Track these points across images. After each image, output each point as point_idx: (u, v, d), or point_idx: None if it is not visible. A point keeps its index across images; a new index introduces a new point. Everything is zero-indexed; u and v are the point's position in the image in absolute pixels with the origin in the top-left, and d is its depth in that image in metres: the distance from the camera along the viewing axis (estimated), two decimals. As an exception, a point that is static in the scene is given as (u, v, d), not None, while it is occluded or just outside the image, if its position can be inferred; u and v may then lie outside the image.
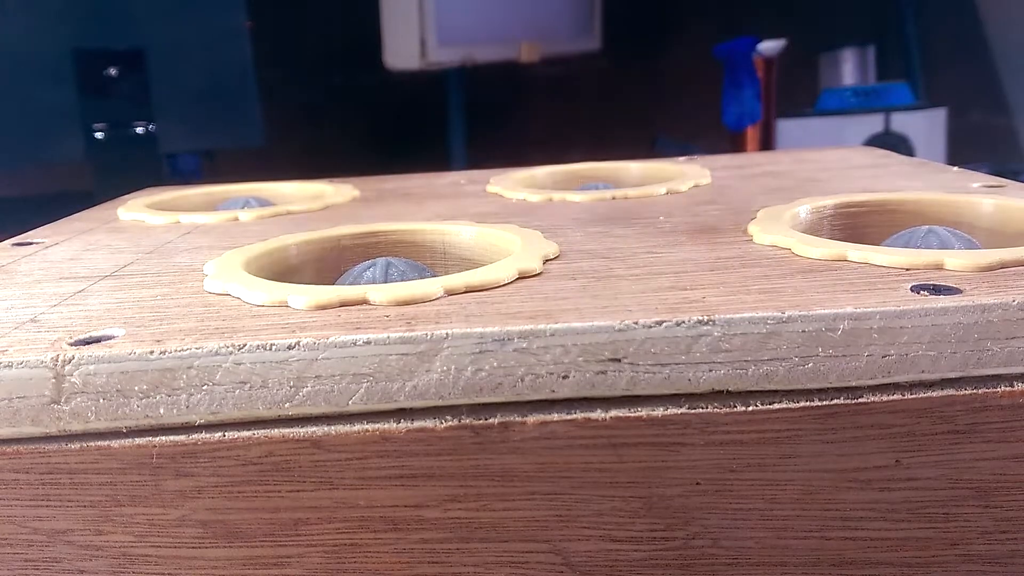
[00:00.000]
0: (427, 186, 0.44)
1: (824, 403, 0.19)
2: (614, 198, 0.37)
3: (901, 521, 0.20)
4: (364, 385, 0.19)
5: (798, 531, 0.20)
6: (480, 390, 0.19)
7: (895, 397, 0.19)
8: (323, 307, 0.22)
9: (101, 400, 0.19)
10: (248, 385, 0.19)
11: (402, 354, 0.19)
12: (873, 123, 1.16)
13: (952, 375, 0.19)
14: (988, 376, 0.19)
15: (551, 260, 0.26)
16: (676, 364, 0.19)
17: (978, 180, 0.36)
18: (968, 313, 0.19)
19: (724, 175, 0.42)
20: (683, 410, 0.20)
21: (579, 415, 0.20)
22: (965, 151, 1.16)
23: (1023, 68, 1.20)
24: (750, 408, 0.19)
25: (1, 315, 0.23)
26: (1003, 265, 0.22)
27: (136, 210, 0.39)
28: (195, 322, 0.21)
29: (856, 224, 0.32)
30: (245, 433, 0.20)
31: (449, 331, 0.20)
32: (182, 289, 0.25)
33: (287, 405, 0.20)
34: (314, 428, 0.20)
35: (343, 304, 0.22)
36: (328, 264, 0.30)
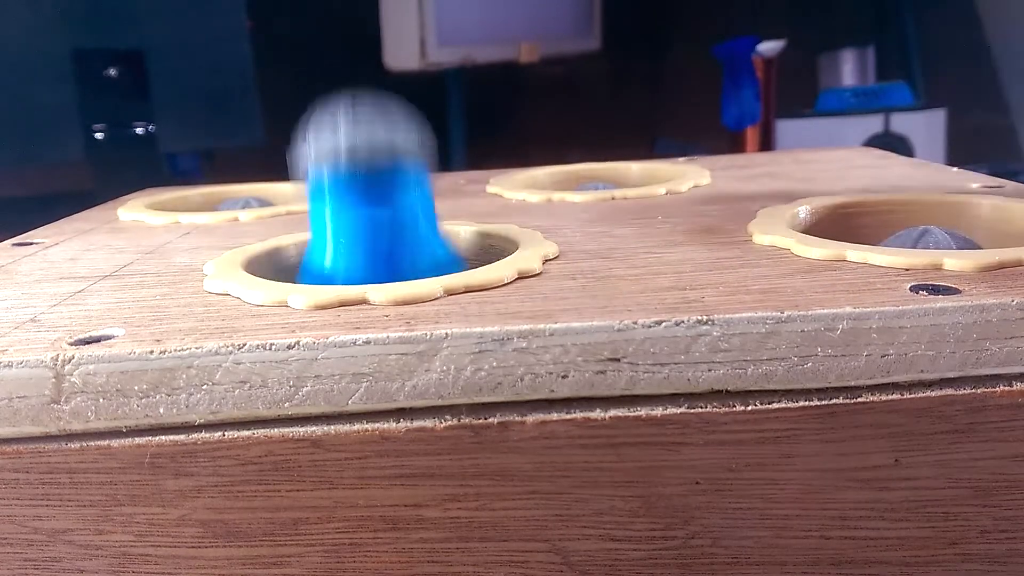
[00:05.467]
0: (427, 186, 0.44)
1: (823, 403, 0.19)
2: (614, 198, 0.37)
3: (900, 520, 0.20)
4: (364, 385, 0.20)
5: (797, 530, 0.20)
6: (479, 390, 0.19)
7: (894, 397, 0.19)
8: (323, 307, 0.22)
9: (101, 400, 0.19)
10: (248, 385, 0.19)
11: (401, 354, 0.19)
12: (873, 124, 1.16)
13: (951, 375, 0.19)
14: (987, 376, 0.19)
15: (551, 260, 0.26)
16: (675, 364, 0.19)
17: (977, 180, 0.36)
18: (967, 313, 0.19)
19: (724, 175, 0.42)
20: (682, 410, 0.20)
21: (578, 415, 0.20)
22: (965, 151, 1.16)
23: (1023, 68, 1.19)
24: (749, 408, 0.19)
25: (1, 315, 0.23)
26: (1002, 265, 0.22)
27: (136, 210, 0.40)
28: (195, 322, 0.21)
29: (855, 224, 0.32)
30: (245, 433, 0.20)
31: (448, 331, 0.20)
32: (182, 289, 0.25)
33: (287, 405, 0.20)
34: (314, 428, 0.20)
35: (343, 304, 0.22)
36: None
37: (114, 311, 0.23)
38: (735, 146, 1.20)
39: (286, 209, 0.38)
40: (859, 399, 0.19)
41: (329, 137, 0.25)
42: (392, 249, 0.25)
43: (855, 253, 0.24)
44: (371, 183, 0.25)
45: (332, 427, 0.20)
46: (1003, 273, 0.22)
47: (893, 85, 1.21)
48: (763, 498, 0.20)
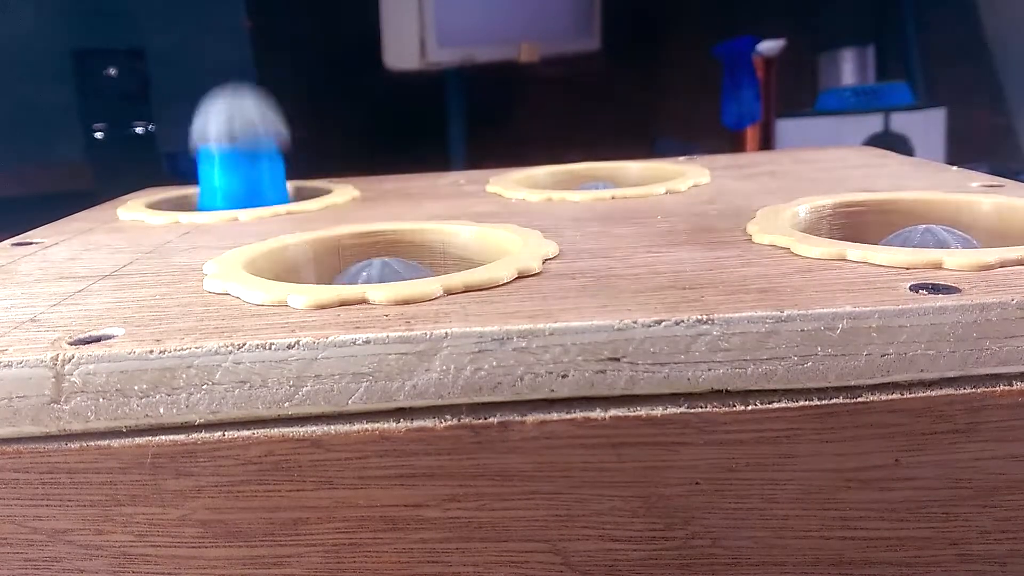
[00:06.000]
0: (427, 186, 0.44)
1: (823, 402, 0.19)
2: (614, 198, 0.37)
3: (900, 521, 0.20)
4: (364, 384, 0.20)
5: (797, 531, 0.20)
6: (479, 389, 0.19)
7: (894, 396, 0.19)
8: (322, 307, 0.22)
9: (101, 400, 0.19)
10: (248, 384, 0.19)
11: (401, 353, 0.19)
12: (872, 123, 1.16)
13: (951, 374, 0.19)
14: (987, 375, 0.19)
15: (551, 260, 0.26)
16: (675, 363, 0.19)
17: (977, 180, 0.36)
18: (967, 312, 0.19)
19: (724, 175, 0.42)
20: (682, 409, 0.20)
21: (578, 415, 0.20)
22: (964, 151, 1.16)
23: (1023, 68, 1.19)
24: (749, 407, 0.19)
25: (1, 315, 0.23)
26: (1002, 264, 0.22)
27: (136, 210, 0.40)
28: (195, 322, 0.21)
29: (855, 223, 0.32)
30: (245, 432, 0.20)
31: (448, 330, 0.20)
32: (182, 289, 0.25)
33: (287, 404, 0.20)
34: (314, 428, 0.20)
35: (342, 304, 0.22)
36: (328, 264, 0.30)
37: (114, 311, 0.23)
38: (735, 146, 1.20)
39: (286, 209, 0.38)
40: (859, 399, 0.19)
41: (218, 120, 0.40)
42: (250, 190, 0.40)
43: (855, 252, 0.24)
44: (241, 154, 0.41)
45: (332, 427, 0.20)
46: (1003, 272, 0.22)
47: (893, 85, 1.21)
48: (763, 498, 0.20)
